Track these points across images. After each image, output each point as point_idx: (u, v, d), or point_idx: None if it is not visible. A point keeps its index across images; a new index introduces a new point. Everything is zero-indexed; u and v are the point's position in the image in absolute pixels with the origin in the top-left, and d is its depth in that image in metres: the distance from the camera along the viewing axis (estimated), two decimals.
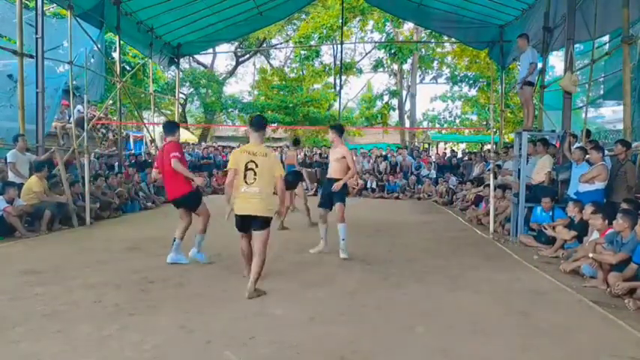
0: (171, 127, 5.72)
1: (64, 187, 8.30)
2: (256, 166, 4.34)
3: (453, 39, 18.60)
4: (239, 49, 30.33)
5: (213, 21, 14.91)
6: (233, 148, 14.26)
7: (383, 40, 27.32)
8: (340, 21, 19.28)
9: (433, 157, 18.40)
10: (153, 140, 16.29)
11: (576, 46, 9.49)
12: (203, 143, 22.74)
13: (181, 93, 25.73)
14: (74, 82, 10.80)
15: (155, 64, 16.34)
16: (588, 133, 8.77)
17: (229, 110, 29.36)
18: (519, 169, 7.83)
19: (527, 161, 7.90)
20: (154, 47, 14.43)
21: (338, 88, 22.73)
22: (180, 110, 21.36)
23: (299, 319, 3.80)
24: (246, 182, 4.34)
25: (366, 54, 30.69)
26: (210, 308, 4.03)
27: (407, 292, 4.66)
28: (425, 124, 30.05)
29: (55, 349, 3.17)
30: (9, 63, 10.90)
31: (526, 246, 7.10)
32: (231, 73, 33.22)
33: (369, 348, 3.29)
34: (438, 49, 26.79)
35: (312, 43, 24.57)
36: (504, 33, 14.13)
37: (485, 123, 24.44)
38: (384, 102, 28.34)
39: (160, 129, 16.27)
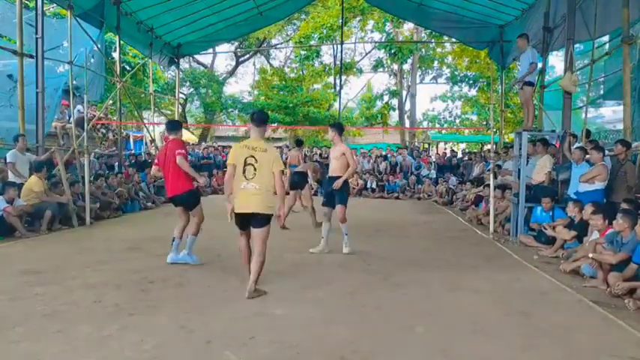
0: (174, 126, 5.79)
1: (64, 187, 8.29)
2: (256, 161, 4.28)
3: (453, 39, 18.58)
4: (239, 49, 30.29)
5: (213, 21, 14.92)
6: None
7: (383, 40, 27.32)
8: (340, 21, 19.30)
9: (433, 157, 18.41)
10: (153, 140, 16.30)
11: (576, 46, 9.50)
12: (203, 143, 22.73)
13: (181, 93, 25.70)
14: (74, 82, 10.81)
15: (155, 64, 16.34)
16: (588, 133, 8.79)
17: (229, 110, 29.32)
18: (519, 169, 7.82)
19: (527, 161, 7.90)
20: (154, 47, 14.44)
21: (338, 88, 22.75)
22: (180, 110, 21.35)
23: (299, 319, 3.80)
24: (245, 177, 4.28)
25: (366, 54, 30.74)
26: (210, 308, 4.03)
27: (407, 292, 4.65)
28: (425, 124, 30.08)
29: (55, 349, 3.17)
30: (9, 63, 10.88)
31: (526, 246, 7.10)
32: (231, 73, 33.16)
33: (369, 348, 3.29)
34: (438, 49, 26.79)
35: (312, 43, 24.56)
36: (504, 33, 14.13)
37: (485, 123, 24.44)
38: (384, 102, 28.32)
39: (159, 129, 16.31)
